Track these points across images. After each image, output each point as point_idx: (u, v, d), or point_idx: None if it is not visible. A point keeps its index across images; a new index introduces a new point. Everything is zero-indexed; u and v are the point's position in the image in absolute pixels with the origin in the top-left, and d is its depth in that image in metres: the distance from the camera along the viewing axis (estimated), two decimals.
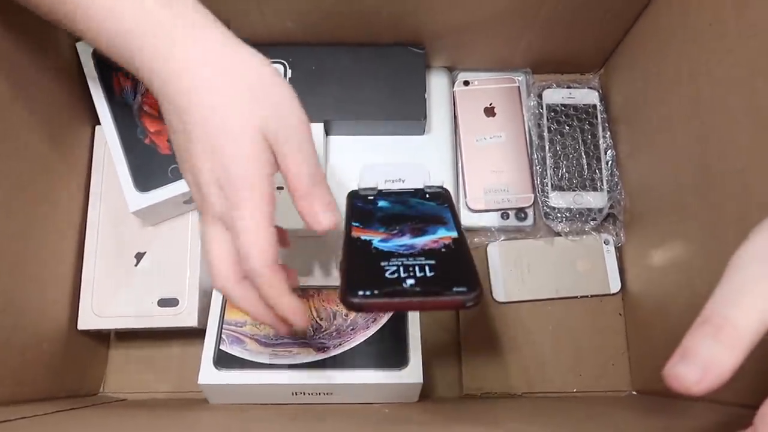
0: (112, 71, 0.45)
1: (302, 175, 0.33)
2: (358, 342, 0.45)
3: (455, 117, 0.55)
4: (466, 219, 0.53)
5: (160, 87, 0.33)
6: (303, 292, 0.46)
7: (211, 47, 0.33)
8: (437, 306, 0.32)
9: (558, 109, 0.55)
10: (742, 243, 0.25)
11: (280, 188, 0.34)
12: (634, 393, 0.51)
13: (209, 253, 0.34)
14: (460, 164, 0.54)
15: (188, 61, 0.32)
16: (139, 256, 0.47)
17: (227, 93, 0.32)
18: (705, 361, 0.24)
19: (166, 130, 0.35)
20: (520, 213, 0.53)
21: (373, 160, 0.52)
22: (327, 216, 0.34)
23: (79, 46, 0.46)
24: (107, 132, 0.45)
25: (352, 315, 0.46)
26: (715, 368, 0.23)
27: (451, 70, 0.56)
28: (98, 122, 0.48)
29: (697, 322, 0.24)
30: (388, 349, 0.44)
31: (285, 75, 0.50)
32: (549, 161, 0.54)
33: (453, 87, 0.56)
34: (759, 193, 0.34)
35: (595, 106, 0.55)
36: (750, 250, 0.25)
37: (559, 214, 0.53)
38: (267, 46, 0.51)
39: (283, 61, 0.51)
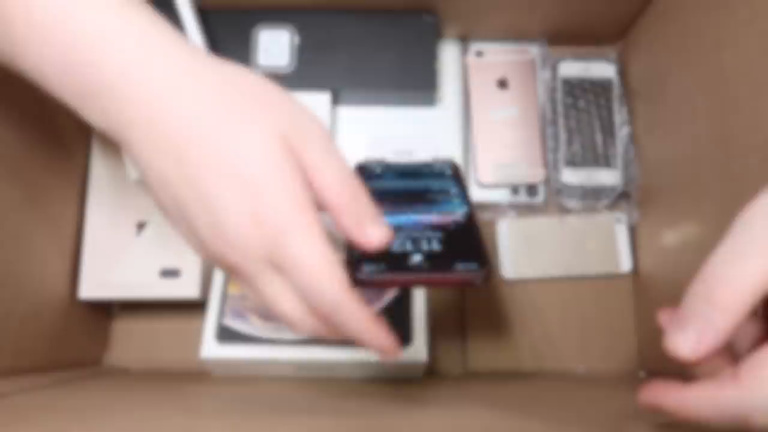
0: None
1: (338, 185, 0.28)
2: None
3: (467, 89, 0.53)
4: (476, 194, 0.52)
5: (140, 125, 0.27)
6: None
7: (192, 61, 0.28)
8: (445, 283, 0.31)
9: (573, 82, 0.53)
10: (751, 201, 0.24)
11: None
12: (642, 374, 0.50)
13: (280, 311, 0.28)
14: (471, 137, 0.53)
15: (174, 79, 0.27)
16: (141, 226, 0.46)
17: (236, 109, 0.27)
18: (700, 327, 0.24)
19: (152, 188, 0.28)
20: (531, 189, 0.52)
21: (382, 131, 0.51)
22: (378, 229, 0.28)
23: None
24: None
25: (357, 290, 0.45)
26: (710, 332, 0.23)
27: (464, 40, 0.55)
28: None
29: (694, 282, 0.24)
30: (393, 327, 0.43)
31: (292, 41, 0.49)
32: (562, 136, 0.52)
33: (465, 58, 0.54)
34: None
35: (611, 81, 0.53)
36: (759, 207, 0.24)
37: (571, 191, 0.52)
38: (274, 11, 0.49)
39: (289, 26, 0.49)
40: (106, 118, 0.28)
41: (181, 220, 0.28)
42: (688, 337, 0.24)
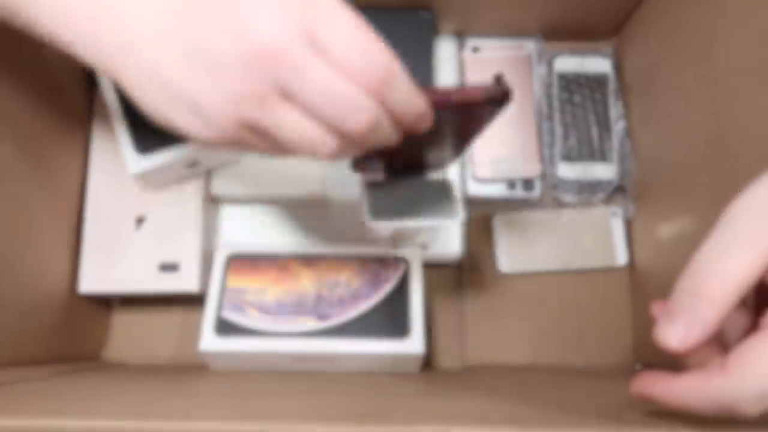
0: None
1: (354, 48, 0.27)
2: (360, 311, 0.44)
3: (464, 84, 0.54)
4: (473, 188, 0.52)
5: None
6: (306, 260, 0.46)
7: None
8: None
9: (569, 77, 0.54)
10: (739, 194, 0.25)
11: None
12: (639, 366, 0.51)
13: (302, 140, 0.27)
14: None
15: None
16: (140, 220, 0.46)
17: None
18: (688, 320, 0.24)
19: None
20: (528, 184, 0.52)
21: None
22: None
23: None
24: (107, 93, 0.44)
25: (354, 284, 0.45)
26: (698, 325, 0.24)
27: (460, 36, 0.55)
28: (97, 85, 0.47)
29: (681, 277, 0.25)
30: (390, 319, 0.44)
31: None
32: (558, 131, 0.52)
33: (462, 53, 0.54)
34: None
35: (606, 76, 0.53)
36: (746, 201, 0.25)
37: (567, 186, 0.52)
38: None
39: None
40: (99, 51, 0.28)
41: (181, 104, 0.27)
42: (677, 330, 0.25)
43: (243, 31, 0.25)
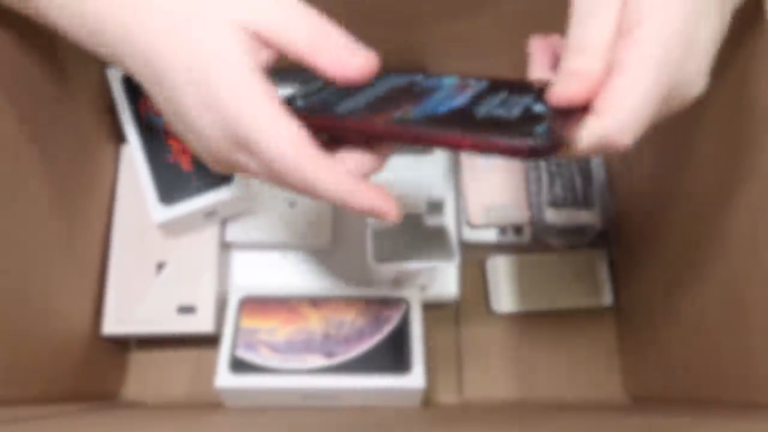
0: (139, 95, 0.49)
1: (304, 34, 0.28)
2: (364, 349, 0.47)
3: None
4: (467, 234, 0.56)
5: (115, 38, 0.29)
6: (313, 302, 0.49)
7: None
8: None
9: None
10: None
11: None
12: (628, 401, 0.54)
13: (267, 182, 0.29)
14: (460, 182, 0.57)
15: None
16: (161, 266, 0.49)
17: (190, 7, 0.28)
18: (579, 73, 0.26)
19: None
20: (518, 229, 0.56)
21: (377, 177, 0.55)
22: (356, 57, 0.28)
23: (109, 72, 0.49)
24: (133, 149, 0.48)
25: (358, 323, 0.48)
26: (588, 74, 0.26)
27: None
28: (124, 140, 0.51)
29: (563, 54, 0.27)
30: (393, 356, 0.47)
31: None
32: (545, 180, 0.57)
33: None
34: (742, 211, 0.37)
35: None
36: None
37: (554, 231, 0.56)
38: (279, 71, 0.54)
39: (292, 82, 0.54)
40: (103, 41, 0.30)
41: (178, 127, 0.30)
42: (570, 82, 0.26)
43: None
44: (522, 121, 0.27)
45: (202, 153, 0.30)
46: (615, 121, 0.25)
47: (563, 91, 0.27)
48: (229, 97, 0.27)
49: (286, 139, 0.27)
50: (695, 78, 0.27)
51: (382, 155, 0.30)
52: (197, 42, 0.27)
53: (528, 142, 0.25)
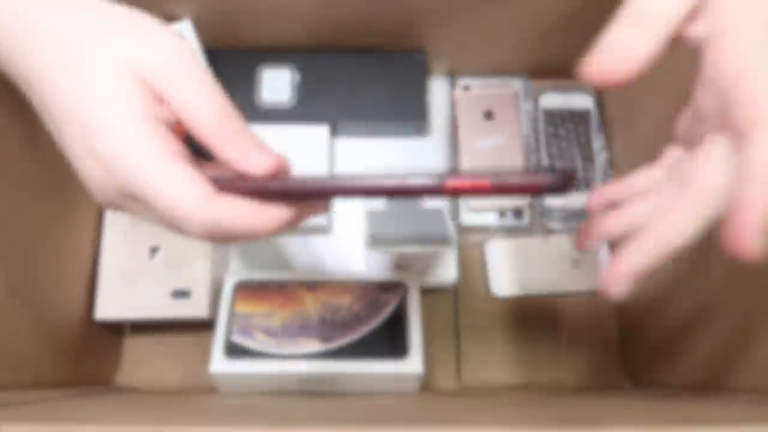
0: None
1: (214, 120, 0.26)
2: (361, 334, 0.47)
3: (455, 120, 0.57)
4: (467, 218, 0.55)
5: (13, 65, 0.26)
6: (310, 286, 0.49)
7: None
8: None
9: (554, 113, 0.57)
10: None
11: None
12: (628, 385, 0.53)
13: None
14: (459, 166, 0.56)
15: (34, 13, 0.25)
16: (154, 250, 0.49)
17: (78, 42, 0.25)
18: (622, 49, 0.24)
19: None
20: (517, 212, 0.56)
21: (377, 161, 0.54)
22: (262, 155, 0.27)
23: None
24: None
25: (355, 308, 0.48)
26: (632, 55, 0.24)
27: (451, 76, 0.59)
28: None
29: (617, 17, 0.25)
30: (390, 341, 0.46)
31: (293, 79, 0.53)
32: (545, 163, 0.56)
33: (453, 92, 0.58)
34: None
35: (589, 111, 0.57)
36: None
37: (554, 214, 0.55)
38: (276, 52, 0.53)
39: (291, 65, 0.53)
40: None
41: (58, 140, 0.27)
42: (607, 57, 0.24)
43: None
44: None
45: (90, 192, 0.28)
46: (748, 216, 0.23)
47: (597, 63, 0.24)
48: (111, 146, 0.25)
49: (177, 192, 0.25)
50: None
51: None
52: (89, 80, 0.25)
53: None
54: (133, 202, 0.26)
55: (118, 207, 0.28)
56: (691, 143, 0.28)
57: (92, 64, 0.25)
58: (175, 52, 0.26)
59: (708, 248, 0.40)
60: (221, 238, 0.26)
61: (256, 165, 0.26)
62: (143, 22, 0.26)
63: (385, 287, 0.49)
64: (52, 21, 0.26)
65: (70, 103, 0.25)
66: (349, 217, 0.53)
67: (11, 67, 0.27)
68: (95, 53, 0.25)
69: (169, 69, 0.25)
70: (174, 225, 0.26)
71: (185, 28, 0.49)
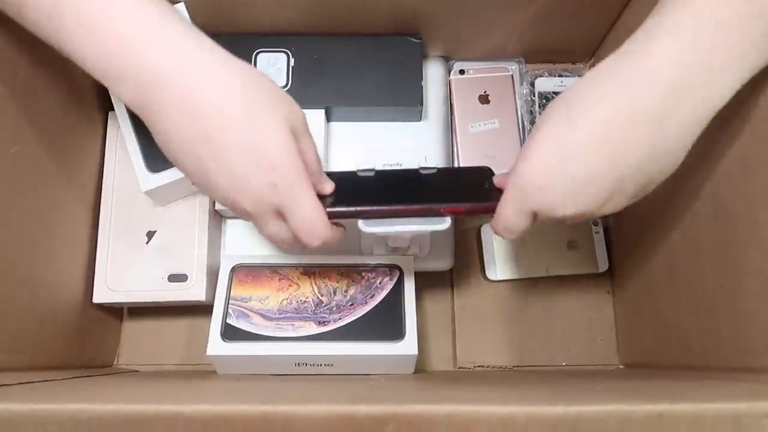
0: None
1: (315, 161, 0.39)
2: (357, 316, 0.47)
3: (451, 104, 0.57)
4: None
5: (173, 109, 0.34)
6: (305, 270, 0.49)
7: (211, 52, 0.35)
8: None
9: (549, 96, 0.57)
10: None
11: None
12: (622, 367, 0.54)
13: (277, 241, 0.39)
14: (455, 149, 0.57)
15: (204, 66, 0.34)
16: (150, 234, 0.49)
17: (259, 104, 0.35)
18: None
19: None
20: None
21: (372, 145, 0.54)
22: (328, 183, 0.40)
23: None
24: (120, 117, 0.47)
25: (351, 291, 0.48)
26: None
27: (448, 59, 0.59)
28: (112, 108, 0.50)
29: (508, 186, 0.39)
30: (385, 323, 0.47)
31: (288, 63, 0.53)
32: None
33: (449, 76, 0.58)
34: (738, 176, 0.37)
35: None
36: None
37: None
38: (272, 36, 0.53)
39: (286, 49, 0.53)
40: (139, 99, 0.34)
41: (204, 181, 0.36)
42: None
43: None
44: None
45: (235, 196, 0.36)
46: (496, 223, 0.39)
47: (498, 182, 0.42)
48: (286, 174, 0.35)
49: (320, 215, 0.37)
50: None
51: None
52: (268, 129, 0.35)
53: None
54: (274, 217, 0.37)
55: (255, 217, 0.37)
56: None
57: (271, 119, 0.35)
58: (303, 116, 0.38)
59: (701, 230, 0.40)
60: (301, 246, 0.38)
61: (327, 190, 0.40)
62: (285, 93, 0.37)
63: (381, 271, 0.49)
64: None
65: (253, 144, 0.34)
66: None
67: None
68: (275, 111, 0.36)
69: (302, 127, 0.38)
70: (302, 239, 0.37)
71: (180, 12, 0.49)
